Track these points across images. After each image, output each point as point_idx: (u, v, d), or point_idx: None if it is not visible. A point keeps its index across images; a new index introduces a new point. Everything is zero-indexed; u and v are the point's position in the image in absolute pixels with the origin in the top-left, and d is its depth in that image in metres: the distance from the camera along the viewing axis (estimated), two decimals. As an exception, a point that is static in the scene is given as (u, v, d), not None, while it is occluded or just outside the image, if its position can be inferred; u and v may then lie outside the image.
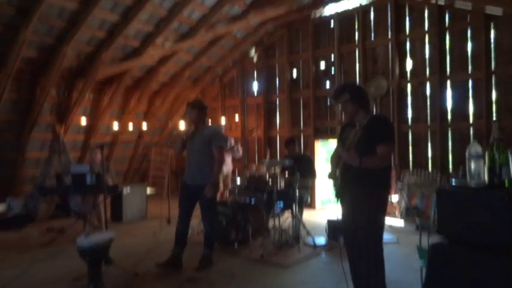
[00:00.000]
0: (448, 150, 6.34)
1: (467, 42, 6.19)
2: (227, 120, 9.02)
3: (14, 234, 5.76)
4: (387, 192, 2.94)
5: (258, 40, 8.40)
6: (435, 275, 2.10)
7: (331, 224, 5.14)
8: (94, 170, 5.49)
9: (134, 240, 5.37)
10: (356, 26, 7.27)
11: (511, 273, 1.85)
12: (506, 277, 1.86)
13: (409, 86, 6.76)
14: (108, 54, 6.63)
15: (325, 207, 7.66)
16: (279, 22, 7.90)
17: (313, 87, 7.78)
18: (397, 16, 6.77)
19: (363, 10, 7.16)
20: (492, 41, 5.95)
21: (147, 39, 6.84)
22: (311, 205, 7.51)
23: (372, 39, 7.11)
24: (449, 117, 6.35)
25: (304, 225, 5.15)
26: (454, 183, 2.23)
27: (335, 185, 2.98)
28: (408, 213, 6.19)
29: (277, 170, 5.53)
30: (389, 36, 6.87)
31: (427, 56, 6.54)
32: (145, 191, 7.11)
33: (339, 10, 7.43)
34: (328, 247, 4.82)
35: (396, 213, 6.39)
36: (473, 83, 6.15)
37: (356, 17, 7.26)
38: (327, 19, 7.66)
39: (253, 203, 5.17)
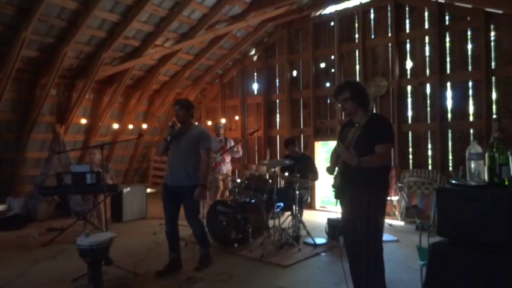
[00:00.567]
0: (448, 150, 6.34)
1: (467, 42, 6.19)
2: (227, 120, 9.03)
3: (14, 234, 5.76)
4: (386, 192, 2.94)
5: (258, 40, 8.40)
6: (435, 275, 2.10)
7: (331, 223, 5.14)
8: (94, 169, 5.50)
9: (134, 240, 5.37)
10: (356, 26, 7.28)
11: (511, 273, 1.85)
12: (506, 277, 1.86)
13: (409, 86, 6.76)
14: (108, 54, 6.63)
15: (325, 206, 7.65)
16: (279, 22, 7.90)
17: (314, 87, 7.77)
18: (397, 16, 6.77)
19: (363, 10, 7.15)
20: (492, 41, 5.96)
21: (147, 39, 6.84)
22: (311, 205, 7.51)
23: (372, 38, 7.11)
24: (449, 117, 6.35)
25: (304, 225, 5.15)
26: (454, 183, 2.23)
27: (334, 186, 2.98)
28: (408, 213, 6.19)
29: (278, 170, 5.53)
30: (389, 36, 6.87)
31: (427, 56, 6.54)
32: (145, 191, 7.12)
33: (339, 9, 7.43)
34: (328, 247, 4.82)
35: (396, 213, 6.40)
36: (473, 83, 6.15)
37: (356, 16, 7.26)
38: (327, 19, 7.66)
39: (253, 202, 5.17)
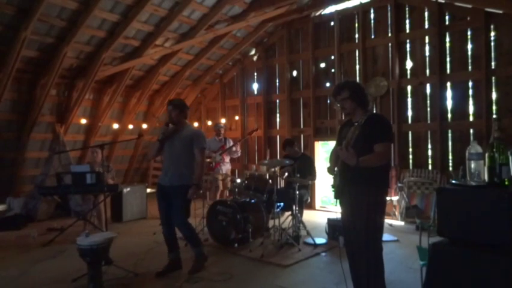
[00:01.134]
0: (448, 150, 6.34)
1: (467, 42, 6.19)
2: (227, 120, 9.03)
3: (14, 234, 5.76)
4: (386, 192, 2.93)
5: (258, 40, 8.40)
6: (435, 275, 2.10)
7: (331, 223, 5.14)
8: (95, 169, 5.50)
9: (134, 240, 5.37)
10: (356, 26, 7.28)
11: (511, 273, 1.85)
12: (506, 277, 1.86)
13: (409, 86, 6.76)
14: (108, 54, 6.63)
15: (325, 206, 7.65)
16: (279, 22, 7.90)
17: (314, 87, 7.77)
18: (397, 16, 6.76)
19: (363, 10, 7.15)
20: (492, 41, 5.95)
21: (147, 39, 6.84)
22: (311, 205, 7.51)
23: (372, 38, 7.11)
24: (449, 117, 6.35)
25: (304, 225, 5.15)
26: (454, 183, 2.23)
27: (334, 186, 2.98)
28: (408, 213, 6.19)
29: (277, 170, 5.53)
30: (389, 36, 6.87)
31: (427, 56, 6.54)
32: (145, 191, 7.12)
33: (339, 9, 7.43)
34: (328, 247, 4.82)
35: (396, 213, 6.40)
36: (473, 83, 6.15)
37: (356, 16, 7.26)
38: (327, 19, 7.66)
39: (253, 202, 5.17)
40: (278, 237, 4.90)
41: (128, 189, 6.77)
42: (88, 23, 5.92)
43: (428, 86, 6.55)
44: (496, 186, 2.05)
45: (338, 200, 2.97)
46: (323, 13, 7.73)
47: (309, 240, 4.95)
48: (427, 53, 6.53)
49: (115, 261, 3.79)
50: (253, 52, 8.75)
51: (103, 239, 3.44)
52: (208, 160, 6.46)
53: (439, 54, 6.34)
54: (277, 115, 8.50)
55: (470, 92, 6.17)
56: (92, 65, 6.76)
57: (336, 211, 4.72)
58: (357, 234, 2.81)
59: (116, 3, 5.86)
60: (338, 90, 2.97)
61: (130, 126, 8.44)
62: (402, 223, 6.15)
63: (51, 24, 5.81)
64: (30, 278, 3.92)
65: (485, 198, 1.99)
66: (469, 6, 6.00)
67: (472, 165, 2.20)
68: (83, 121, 7.69)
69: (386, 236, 4.93)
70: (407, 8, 6.71)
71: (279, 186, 6.19)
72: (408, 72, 6.76)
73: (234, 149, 7.41)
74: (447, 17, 6.35)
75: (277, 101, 8.47)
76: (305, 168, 5.37)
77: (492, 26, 5.94)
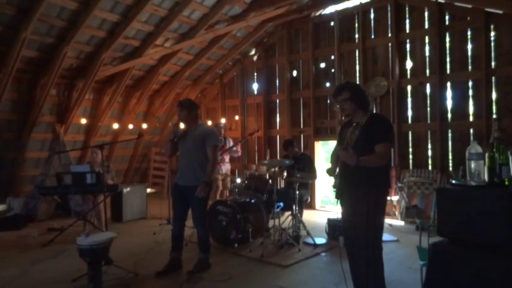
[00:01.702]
0: (448, 150, 6.34)
1: (467, 42, 6.19)
2: (227, 120, 9.03)
3: (14, 234, 5.76)
4: (386, 192, 2.93)
5: (258, 40, 8.40)
6: (435, 275, 2.10)
7: (331, 223, 5.14)
8: (95, 169, 5.50)
9: (134, 240, 5.37)
10: (356, 26, 7.27)
11: (511, 273, 1.85)
12: (506, 277, 1.86)
13: (409, 86, 6.76)
14: (108, 54, 6.63)
15: (325, 206, 7.65)
16: (279, 22, 7.90)
17: (313, 87, 7.77)
18: (397, 16, 6.76)
19: (363, 10, 7.15)
20: (492, 41, 5.95)
21: (147, 39, 6.84)
22: (311, 205, 7.51)
23: (372, 38, 7.11)
24: (449, 117, 6.35)
25: (304, 225, 5.15)
26: (454, 183, 2.23)
27: (334, 186, 2.98)
28: (408, 213, 6.19)
29: (277, 169, 5.53)
30: (389, 36, 6.87)
31: (427, 56, 6.54)
32: (145, 191, 7.12)
33: (339, 9, 7.43)
34: (328, 247, 4.82)
35: (396, 213, 6.40)
36: (473, 83, 6.15)
37: (356, 16, 7.26)
38: (327, 19, 7.66)
39: (253, 202, 5.17)
40: (278, 237, 4.90)
41: (128, 189, 6.77)
42: (88, 23, 5.92)
43: (428, 86, 6.55)
44: (496, 186, 2.05)
45: (339, 200, 2.97)
46: (322, 13, 7.73)
47: (309, 240, 4.95)
48: (427, 53, 6.54)
49: (115, 261, 3.79)
50: (253, 52, 8.75)
51: (103, 239, 3.43)
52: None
53: (439, 54, 6.34)
54: (277, 115, 8.50)
55: (470, 92, 6.17)
56: (92, 65, 6.76)
57: (336, 211, 4.73)
58: (357, 234, 2.81)
59: (116, 3, 5.86)
60: (338, 91, 2.96)
61: (130, 126, 8.44)
62: (402, 223, 6.16)
63: (51, 24, 5.81)
64: (30, 278, 3.91)
65: (485, 198, 1.99)
66: (469, 6, 6.00)
67: (472, 165, 2.20)
68: (83, 121, 7.69)
69: (386, 236, 4.93)
70: (407, 8, 6.71)
71: (279, 186, 6.19)
72: (408, 72, 6.76)
73: (234, 148, 7.41)
74: (447, 17, 6.35)
75: (277, 101, 8.47)
76: (305, 167, 5.37)
77: (492, 26, 5.94)
